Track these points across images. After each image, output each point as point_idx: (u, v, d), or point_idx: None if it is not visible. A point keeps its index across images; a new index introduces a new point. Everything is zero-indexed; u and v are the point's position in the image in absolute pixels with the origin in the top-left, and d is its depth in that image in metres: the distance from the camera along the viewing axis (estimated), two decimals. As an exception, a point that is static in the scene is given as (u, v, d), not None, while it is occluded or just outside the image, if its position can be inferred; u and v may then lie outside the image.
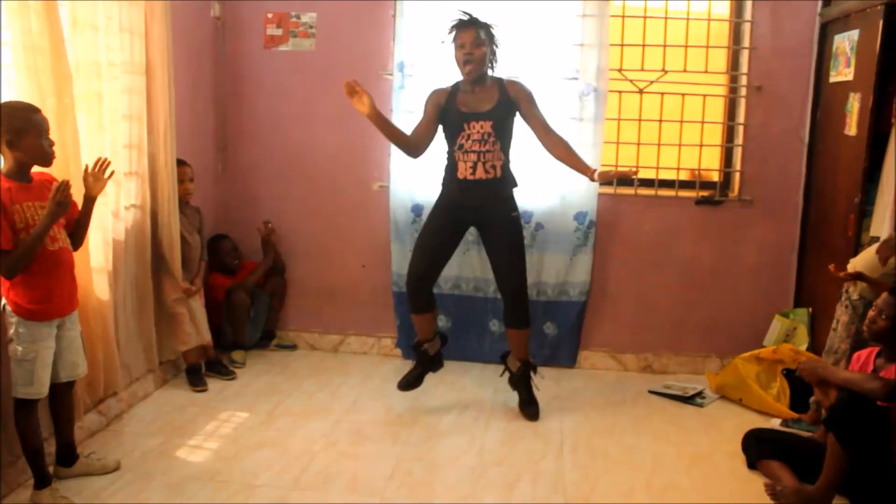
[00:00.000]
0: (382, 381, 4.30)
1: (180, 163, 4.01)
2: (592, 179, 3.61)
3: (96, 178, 2.97)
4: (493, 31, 3.66)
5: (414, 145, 3.72)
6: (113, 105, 3.51)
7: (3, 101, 2.79)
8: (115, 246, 3.59)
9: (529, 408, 3.83)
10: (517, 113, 3.71)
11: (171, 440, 3.46)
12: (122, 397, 3.69)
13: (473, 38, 3.57)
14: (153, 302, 3.91)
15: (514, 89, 3.69)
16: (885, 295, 3.01)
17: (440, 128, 3.75)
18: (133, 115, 3.68)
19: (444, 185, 3.82)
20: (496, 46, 3.69)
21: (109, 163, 3.02)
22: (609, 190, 4.46)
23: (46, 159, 2.84)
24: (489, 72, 3.70)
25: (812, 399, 3.60)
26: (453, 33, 3.63)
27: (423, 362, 3.93)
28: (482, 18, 3.63)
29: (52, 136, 2.84)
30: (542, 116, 3.71)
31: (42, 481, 2.86)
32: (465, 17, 3.60)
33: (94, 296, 3.37)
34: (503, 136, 3.67)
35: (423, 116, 3.75)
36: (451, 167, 3.74)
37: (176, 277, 3.98)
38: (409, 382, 3.90)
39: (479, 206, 3.73)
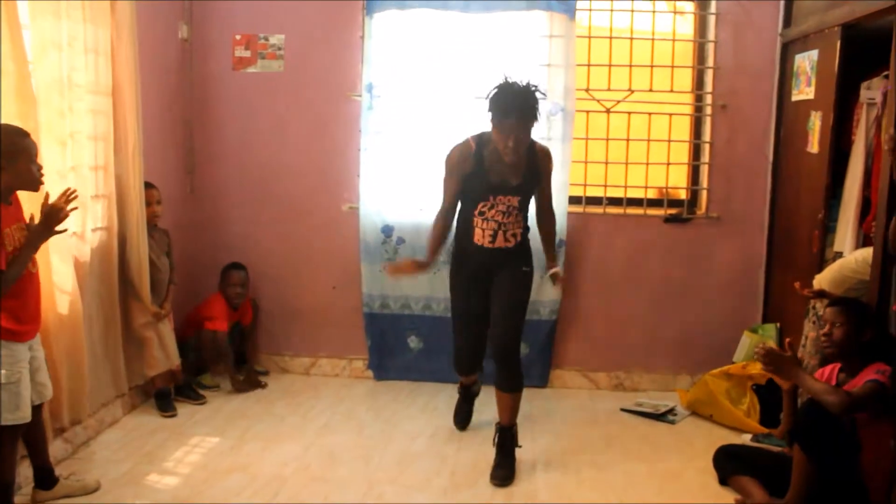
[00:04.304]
0: (354, 403, 4.27)
1: (148, 185, 3.96)
2: (547, 270, 3.68)
3: (58, 209, 2.77)
4: (538, 115, 3.35)
5: (450, 225, 3.58)
6: (79, 126, 3.47)
7: None
8: (79, 268, 3.50)
9: (497, 471, 3.43)
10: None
11: (140, 466, 3.41)
12: (89, 424, 3.62)
13: (521, 129, 3.28)
14: (121, 326, 3.86)
15: (543, 161, 3.50)
16: (830, 309, 3.06)
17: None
18: (99, 136, 3.64)
19: (456, 243, 3.62)
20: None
21: (77, 196, 2.87)
22: (578, 209, 4.49)
23: (35, 185, 2.78)
24: None
25: (782, 415, 3.63)
26: (501, 116, 3.26)
27: (469, 398, 4.00)
28: (532, 104, 3.28)
29: None
30: (550, 192, 3.63)
31: (5, 512, 2.80)
32: (520, 107, 3.24)
33: (58, 320, 3.31)
34: (526, 207, 3.55)
35: (450, 184, 3.49)
36: (467, 231, 3.54)
37: (144, 302, 3.93)
38: (465, 418, 3.97)
39: (494, 266, 3.55)
